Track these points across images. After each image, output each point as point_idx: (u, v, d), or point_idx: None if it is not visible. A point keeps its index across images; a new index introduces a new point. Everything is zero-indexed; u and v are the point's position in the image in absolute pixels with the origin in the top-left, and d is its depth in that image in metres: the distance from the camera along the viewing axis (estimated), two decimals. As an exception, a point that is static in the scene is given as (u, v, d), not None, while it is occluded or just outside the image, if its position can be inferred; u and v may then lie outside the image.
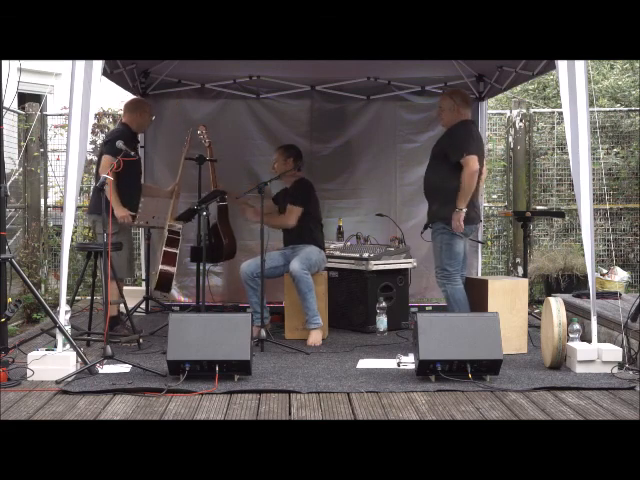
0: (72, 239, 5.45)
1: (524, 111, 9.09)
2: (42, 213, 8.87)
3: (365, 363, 5.33)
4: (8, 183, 5.73)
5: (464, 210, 5.60)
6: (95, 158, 7.57)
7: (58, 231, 8.49)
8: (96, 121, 8.87)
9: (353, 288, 6.64)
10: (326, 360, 5.46)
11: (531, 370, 5.12)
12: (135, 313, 6.95)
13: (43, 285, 8.47)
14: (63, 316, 4.97)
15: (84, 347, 5.44)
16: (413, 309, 7.16)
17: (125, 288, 6.64)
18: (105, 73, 6.07)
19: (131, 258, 6.56)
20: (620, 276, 8.11)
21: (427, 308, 7.69)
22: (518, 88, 10.66)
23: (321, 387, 4.67)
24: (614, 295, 6.36)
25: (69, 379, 4.74)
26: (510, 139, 9.09)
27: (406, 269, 6.83)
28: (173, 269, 6.50)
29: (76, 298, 6.83)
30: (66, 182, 5.03)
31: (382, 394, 4.54)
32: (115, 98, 8.80)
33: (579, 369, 4.98)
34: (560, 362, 5.09)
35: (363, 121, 7.82)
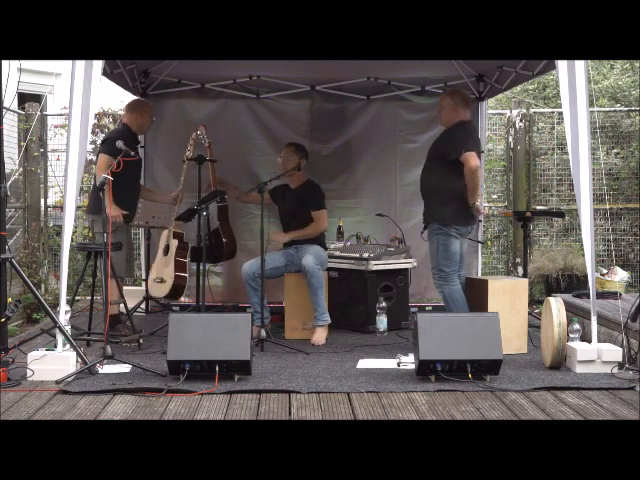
0: (72, 239, 5.45)
1: (524, 111, 9.09)
2: (42, 213, 8.87)
3: (365, 363, 5.33)
4: (8, 183, 5.73)
5: (477, 202, 5.73)
6: (95, 158, 7.56)
7: (58, 231, 8.49)
8: (96, 121, 8.88)
9: (353, 288, 6.64)
10: (326, 360, 5.46)
11: (531, 370, 5.12)
12: (135, 313, 6.95)
13: (43, 285, 8.47)
14: (63, 316, 4.97)
15: (84, 347, 5.44)
16: (413, 309, 7.16)
17: (125, 288, 6.64)
18: (105, 73, 6.07)
19: (130, 258, 6.56)
20: (620, 276, 8.11)
21: (427, 308, 7.68)
22: (518, 88, 10.66)
23: (321, 387, 4.67)
24: (614, 295, 6.36)
25: (69, 379, 4.74)
26: (510, 139, 9.09)
27: (406, 269, 6.83)
28: (185, 278, 6.49)
29: (76, 298, 6.83)
30: (66, 182, 5.03)
31: (382, 394, 4.54)
32: (115, 98, 8.80)
33: (579, 369, 4.98)
34: (560, 362, 5.09)
35: (363, 121, 7.82)
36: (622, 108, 9.63)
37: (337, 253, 6.77)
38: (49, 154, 9.00)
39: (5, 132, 5.28)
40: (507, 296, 5.73)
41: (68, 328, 5.02)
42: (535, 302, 8.28)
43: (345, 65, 6.75)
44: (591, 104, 5.47)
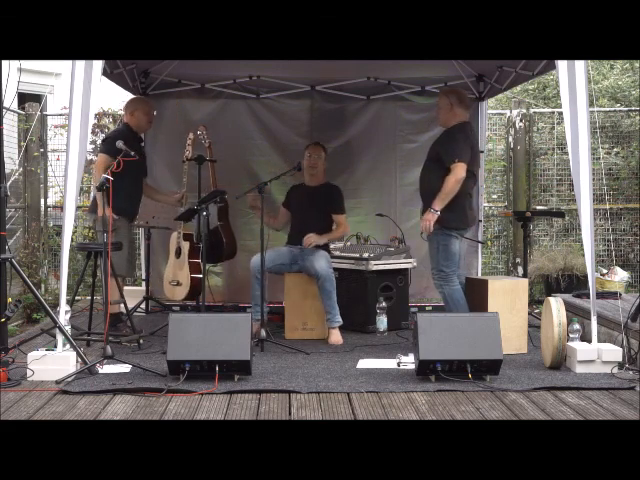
0: (72, 239, 5.45)
1: (524, 111, 9.09)
2: (42, 213, 8.87)
3: (365, 363, 5.33)
4: (8, 183, 5.73)
5: (438, 212, 5.59)
6: (95, 158, 7.58)
7: (58, 231, 8.49)
8: (96, 121, 8.88)
9: (353, 288, 6.63)
10: (326, 360, 5.46)
11: (531, 370, 5.12)
12: (135, 313, 6.95)
13: (43, 285, 8.47)
14: (63, 316, 4.97)
15: (84, 347, 5.44)
16: (413, 309, 7.16)
17: (125, 288, 6.64)
18: (105, 73, 6.07)
19: (131, 257, 6.56)
20: (620, 276, 8.11)
21: (427, 308, 7.69)
22: (518, 88, 10.66)
23: (321, 387, 4.67)
24: (614, 295, 6.36)
25: (69, 379, 4.74)
26: (510, 139, 9.09)
27: (406, 269, 6.83)
28: (201, 278, 6.51)
29: (76, 298, 6.83)
30: (66, 182, 5.03)
31: (382, 394, 4.54)
32: (115, 98, 8.80)
33: (579, 369, 4.98)
34: (560, 362, 5.09)
35: (363, 121, 7.82)
36: (622, 108, 9.63)
37: (337, 253, 6.77)
38: (49, 154, 9.00)
39: (5, 132, 5.27)
40: (507, 296, 5.72)
41: (68, 328, 5.02)
42: (535, 302, 8.28)
43: (345, 65, 6.75)
44: (591, 104, 5.47)
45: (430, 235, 5.80)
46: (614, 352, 5.01)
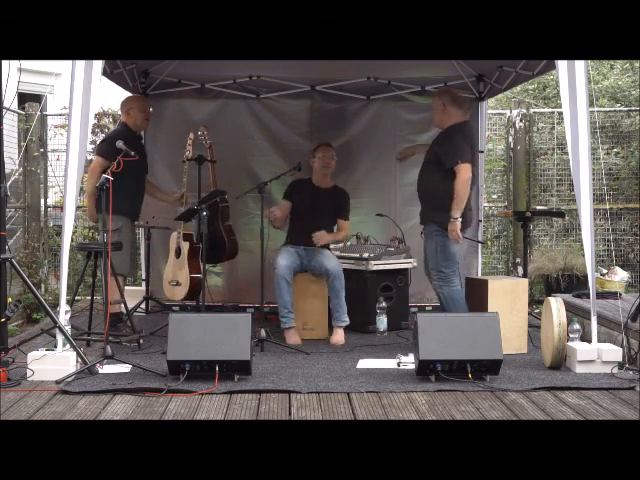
0: (72, 239, 5.45)
1: (524, 111, 9.10)
2: (42, 213, 8.87)
3: (365, 363, 5.33)
4: (8, 183, 5.73)
5: (460, 219, 5.58)
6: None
7: (58, 231, 8.49)
8: (96, 121, 8.88)
9: (353, 288, 6.63)
10: (326, 360, 5.46)
11: (531, 370, 5.12)
12: (135, 313, 6.95)
13: (43, 285, 8.47)
14: (63, 316, 4.97)
15: (84, 347, 5.44)
16: (413, 309, 7.16)
17: (125, 288, 6.64)
18: (105, 73, 6.07)
19: (134, 257, 6.57)
20: (620, 276, 8.11)
21: (427, 308, 7.68)
22: (518, 88, 10.66)
23: (321, 387, 4.67)
24: (614, 295, 6.36)
25: (69, 379, 4.74)
26: (510, 139, 9.09)
27: (406, 269, 6.83)
28: (201, 278, 6.51)
29: (76, 298, 6.83)
30: (66, 182, 5.03)
31: (382, 394, 4.54)
32: (115, 98, 8.77)
33: (579, 369, 4.98)
34: (560, 362, 5.09)
35: (363, 121, 7.82)
36: (622, 108, 9.63)
37: (337, 253, 6.77)
38: (49, 154, 9.00)
39: (5, 132, 5.27)
40: (507, 296, 5.72)
41: (68, 328, 5.02)
42: (535, 302, 8.28)
43: (345, 65, 6.75)
44: (591, 104, 5.47)
45: (428, 236, 5.80)
46: (614, 352, 5.01)
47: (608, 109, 9.57)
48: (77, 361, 4.91)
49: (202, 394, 4.51)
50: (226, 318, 4.98)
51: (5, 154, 5.18)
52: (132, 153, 5.47)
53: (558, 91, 7.48)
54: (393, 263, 6.71)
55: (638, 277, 8.94)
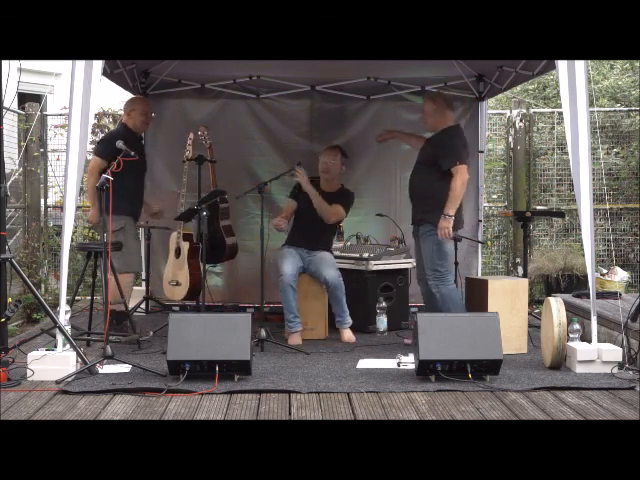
0: (72, 239, 5.45)
1: (524, 111, 9.10)
2: (42, 213, 8.87)
3: (365, 363, 5.33)
4: (8, 183, 5.73)
5: (453, 217, 5.61)
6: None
7: (58, 231, 8.49)
8: (96, 121, 8.88)
9: (353, 288, 6.62)
10: (326, 360, 5.46)
11: (531, 370, 5.12)
12: (135, 313, 6.95)
13: (43, 285, 8.47)
14: (63, 316, 4.97)
15: (84, 347, 5.44)
16: (413, 309, 7.15)
17: (134, 288, 6.66)
18: (105, 73, 6.07)
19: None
20: (620, 276, 8.11)
21: (427, 308, 7.68)
22: (518, 88, 10.66)
23: (321, 387, 4.67)
24: (614, 295, 6.36)
25: (69, 379, 4.74)
26: (510, 139, 9.09)
27: (406, 269, 6.83)
28: (201, 278, 6.51)
29: (76, 298, 6.83)
30: (66, 182, 5.03)
31: (382, 394, 4.54)
32: (115, 98, 8.80)
33: (579, 369, 4.98)
34: (560, 362, 5.09)
35: (363, 121, 7.82)
36: (622, 108, 9.63)
37: (337, 253, 6.77)
38: (49, 154, 9.00)
39: (5, 132, 5.27)
40: (507, 296, 5.72)
41: (68, 328, 5.02)
42: (535, 302, 8.28)
43: (345, 65, 6.74)
44: (591, 104, 5.47)
45: (422, 236, 5.80)
46: (614, 352, 5.01)
47: (608, 109, 9.57)
48: (77, 361, 4.91)
49: (202, 394, 4.51)
50: (226, 318, 4.98)
51: (5, 154, 5.18)
52: (132, 153, 5.47)
53: (558, 91, 7.48)
54: (393, 263, 6.71)
55: (638, 277, 8.94)
